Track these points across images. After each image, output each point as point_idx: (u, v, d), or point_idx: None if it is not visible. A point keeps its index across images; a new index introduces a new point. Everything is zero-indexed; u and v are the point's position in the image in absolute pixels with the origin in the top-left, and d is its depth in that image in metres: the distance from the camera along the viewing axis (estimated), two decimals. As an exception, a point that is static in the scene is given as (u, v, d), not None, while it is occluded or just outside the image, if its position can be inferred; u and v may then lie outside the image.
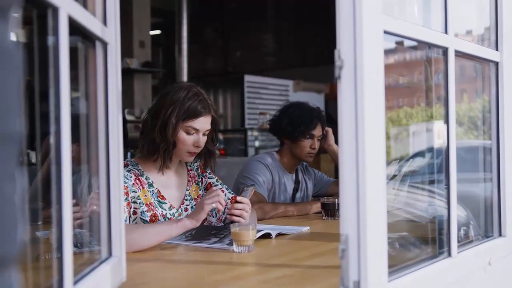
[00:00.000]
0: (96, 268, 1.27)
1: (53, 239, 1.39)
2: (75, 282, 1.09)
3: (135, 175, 2.18)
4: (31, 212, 1.26)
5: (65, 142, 1.01)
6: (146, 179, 2.22)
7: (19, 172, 0.54)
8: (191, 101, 2.18)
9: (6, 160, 0.51)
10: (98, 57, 1.34)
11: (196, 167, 2.42)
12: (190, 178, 2.38)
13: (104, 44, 1.35)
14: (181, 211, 2.28)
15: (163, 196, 2.24)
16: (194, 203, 2.34)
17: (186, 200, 2.33)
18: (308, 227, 2.38)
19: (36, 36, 1.03)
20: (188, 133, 2.20)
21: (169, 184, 2.29)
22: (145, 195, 2.18)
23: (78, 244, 1.37)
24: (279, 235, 2.19)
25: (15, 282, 0.56)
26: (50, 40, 1.00)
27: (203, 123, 2.22)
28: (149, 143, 2.20)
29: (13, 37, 0.55)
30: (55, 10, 0.99)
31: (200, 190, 2.39)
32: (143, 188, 2.19)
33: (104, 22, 1.35)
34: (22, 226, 0.54)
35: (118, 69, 1.39)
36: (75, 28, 1.11)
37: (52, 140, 1.00)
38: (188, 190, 2.35)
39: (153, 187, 2.22)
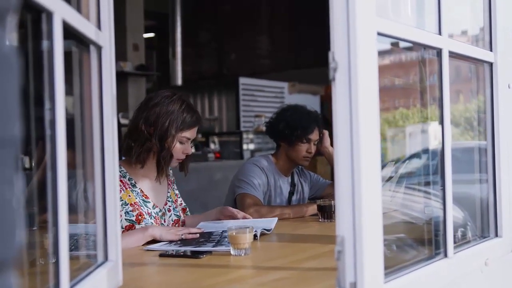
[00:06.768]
0: (92, 272, 1.27)
1: (47, 244, 1.38)
2: (71, 287, 1.08)
3: None
4: (26, 217, 1.26)
5: (60, 146, 1.00)
6: (129, 180, 2.30)
7: (18, 176, 0.55)
8: (186, 113, 2.29)
9: (5, 164, 0.51)
10: (93, 61, 1.34)
11: (171, 173, 2.54)
12: (169, 182, 2.50)
13: (99, 48, 1.34)
14: (165, 210, 2.40)
15: (146, 195, 2.33)
16: (175, 205, 2.46)
17: (169, 201, 2.44)
18: (276, 218, 2.46)
19: (30, 40, 1.03)
20: (181, 142, 2.31)
21: (152, 186, 2.37)
22: (129, 196, 2.26)
23: (72, 247, 1.36)
24: (262, 235, 2.21)
25: (14, 286, 0.56)
26: (45, 44, 1.00)
27: (195, 132, 2.36)
28: (146, 151, 2.27)
29: (10, 41, 0.55)
30: (49, 14, 0.99)
31: (175, 195, 2.52)
32: (126, 189, 2.26)
33: (98, 26, 1.35)
34: (20, 230, 0.54)
35: (113, 73, 1.39)
36: (69, 32, 1.11)
37: (47, 144, 1.00)
38: (169, 192, 2.47)
39: (137, 187, 2.31)
